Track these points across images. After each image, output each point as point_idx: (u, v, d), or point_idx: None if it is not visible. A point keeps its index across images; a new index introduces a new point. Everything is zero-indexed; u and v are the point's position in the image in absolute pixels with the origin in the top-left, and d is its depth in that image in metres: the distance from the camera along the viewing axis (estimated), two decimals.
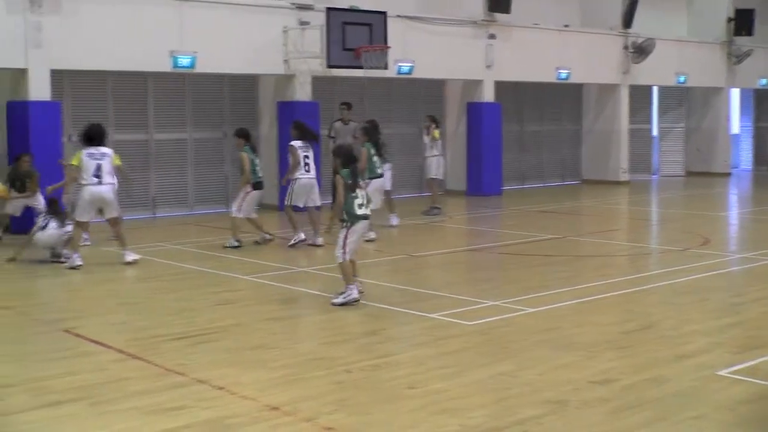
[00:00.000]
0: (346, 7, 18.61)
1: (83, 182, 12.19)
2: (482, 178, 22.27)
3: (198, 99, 19.06)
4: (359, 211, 9.75)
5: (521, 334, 8.36)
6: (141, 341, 8.17)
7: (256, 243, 14.04)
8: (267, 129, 19.52)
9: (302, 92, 18.93)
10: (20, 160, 14.31)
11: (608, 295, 10.15)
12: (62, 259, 12.37)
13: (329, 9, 18.11)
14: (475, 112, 22.31)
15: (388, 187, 15.77)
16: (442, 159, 19.09)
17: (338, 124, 18.45)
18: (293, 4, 18.57)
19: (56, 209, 12.56)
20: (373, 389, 6.76)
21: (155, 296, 10.46)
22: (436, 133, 18.46)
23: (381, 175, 14.57)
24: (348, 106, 18.45)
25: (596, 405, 6.28)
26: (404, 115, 22.35)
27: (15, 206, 14.33)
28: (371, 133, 14.54)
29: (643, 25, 25.63)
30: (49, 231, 12.29)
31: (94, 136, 12.39)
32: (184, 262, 12.52)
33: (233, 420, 6.00)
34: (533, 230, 15.82)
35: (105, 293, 10.65)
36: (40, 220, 12.52)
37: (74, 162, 12.38)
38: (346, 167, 9.92)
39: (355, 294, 9.64)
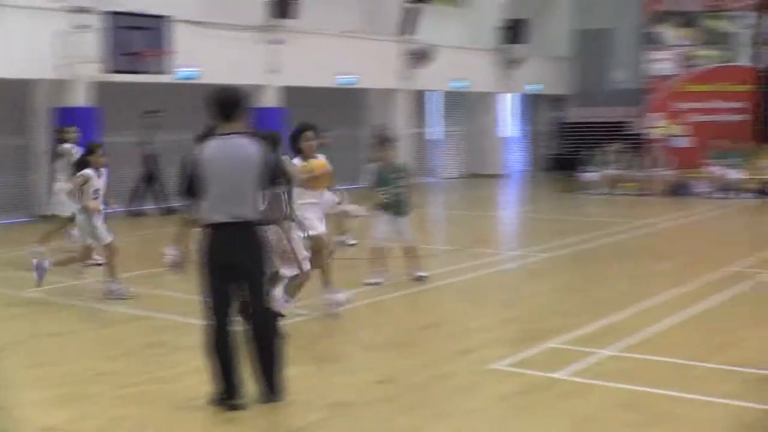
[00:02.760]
0: (125, 10, 17.97)
1: None
2: None
3: None
4: None
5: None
6: None
7: None
8: (38, 137, 18.74)
9: (81, 98, 18.30)
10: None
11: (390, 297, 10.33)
12: None
13: (107, 12, 17.54)
14: (261, 117, 22.06)
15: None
16: None
17: None
18: (69, 7, 17.77)
19: None
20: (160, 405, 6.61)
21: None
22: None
23: None
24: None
25: (379, 404, 6.44)
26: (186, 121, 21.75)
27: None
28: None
29: (424, 33, 26.22)
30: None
31: None
32: None
33: None
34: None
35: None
36: None
37: None
38: None
39: None
